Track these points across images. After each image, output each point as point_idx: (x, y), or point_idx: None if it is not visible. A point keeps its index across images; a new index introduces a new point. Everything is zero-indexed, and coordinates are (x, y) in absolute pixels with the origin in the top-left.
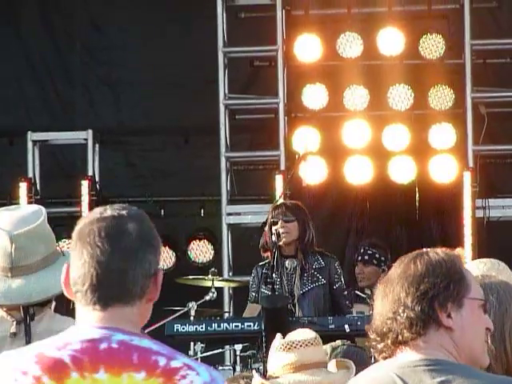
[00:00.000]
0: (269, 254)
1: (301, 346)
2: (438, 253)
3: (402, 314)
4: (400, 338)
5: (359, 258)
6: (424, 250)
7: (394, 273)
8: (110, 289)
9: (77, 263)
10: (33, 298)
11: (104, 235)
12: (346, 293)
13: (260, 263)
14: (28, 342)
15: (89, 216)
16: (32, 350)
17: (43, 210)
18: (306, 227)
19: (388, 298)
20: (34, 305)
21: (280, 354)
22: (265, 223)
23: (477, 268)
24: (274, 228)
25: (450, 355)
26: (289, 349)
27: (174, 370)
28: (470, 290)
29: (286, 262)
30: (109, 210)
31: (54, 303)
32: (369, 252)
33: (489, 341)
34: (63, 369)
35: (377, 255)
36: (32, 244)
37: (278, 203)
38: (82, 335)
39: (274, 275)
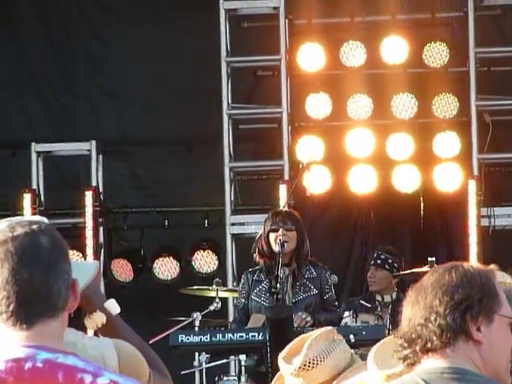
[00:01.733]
0: (264, 259)
1: (307, 369)
2: (473, 266)
3: (433, 322)
4: (429, 345)
5: (372, 261)
6: (459, 262)
7: (427, 281)
8: (35, 305)
9: None
10: None
11: (21, 253)
12: (336, 303)
13: (250, 269)
14: None
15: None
16: None
17: (45, 221)
18: (304, 237)
19: (420, 305)
20: None
21: (289, 379)
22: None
23: None
24: (272, 235)
25: (476, 368)
26: (296, 375)
27: None
28: (501, 307)
29: (279, 271)
30: (19, 228)
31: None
32: (382, 257)
33: None
34: None
35: (389, 260)
36: None
37: (278, 210)
38: (7, 355)
39: (278, 285)
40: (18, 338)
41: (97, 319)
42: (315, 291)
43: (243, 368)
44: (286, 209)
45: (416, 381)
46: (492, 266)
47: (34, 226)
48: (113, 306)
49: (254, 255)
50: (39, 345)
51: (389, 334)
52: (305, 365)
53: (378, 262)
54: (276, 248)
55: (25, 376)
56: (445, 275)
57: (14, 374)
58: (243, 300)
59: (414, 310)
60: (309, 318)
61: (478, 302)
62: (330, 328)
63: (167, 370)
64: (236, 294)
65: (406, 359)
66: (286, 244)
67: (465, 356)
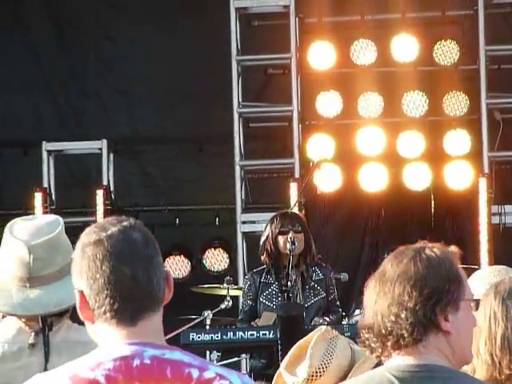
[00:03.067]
0: (272, 261)
1: (315, 379)
2: (435, 251)
3: (404, 319)
4: (401, 341)
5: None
6: (418, 245)
7: (392, 271)
8: (141, 301)
9: (98, 285)
10: (51, 309)
11: (119, 251)
12: (338, 303)
13: (255, 270)
14: (47, 352)
15: (91, 236)
16: (65, 372)
17: (60, 220)
18: (311, 239)
19: (387, 297)
20: (51, 315)
21: None
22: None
23: (493, 276)
24: (281, 237)
25: (446, 359)
26: None
27: (208, 381)
28: (465, 292)
29: (290, 270)
30: (110, 226)
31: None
32: None
33: None
34: None
35: None
36: (49, 254)
37: (284, 212)
38: (114, 353)
39: (288, 283)
40: (122, 336)
41: None
42: (323, 293)
43: (251, 365)
44: (291, 210)
45: (388, 378)
46: (452, 248)
47: (125, 223)
48: None
49: (262, 257)
50: (145, 341)
51: None
52: (312, 375)
53: None
54: (287, 247)
55: (134, 373)
56: (410, 265)
57: (123, 372)
58: (250, 302)
59: (381, 303)
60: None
61: (446, 293)
62: (323, 328)
63: None
64: None
65: (374, 352)
66: (296, 245)
67: (435, 349)
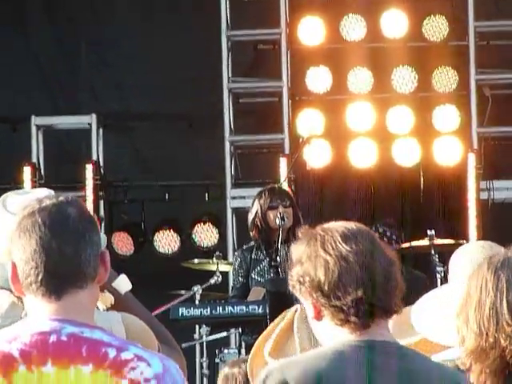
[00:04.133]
0: (262, 236)
1: None
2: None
3: None
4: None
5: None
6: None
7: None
8: (65, 274)
9: (26, 255)
10: None
11: (49, 223)
12: None
13: (244, 247)
14: None
15: (26, 209)
16: None
17: (53, 194)
18: (299, 214)
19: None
20: None
21: None
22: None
23: (477, 251)
24: (271, 212)
25: None
26: None
27: (124, 362)
28: None
29: (279, 245)
30: (46, 199)
31: None
32: (380, 230)
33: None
34: (11, 362)
35: (388, 233)
36: None
37: (273, 187)
38: (33, 328)
39: (278, 258)
40: (47, 311)
41: (105, 300)
42: None
43: (243, 341)
44: (278, 185)
45: None
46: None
47: (61, 198)
48: (123, 283)
49: (252, 233)
50: (66, 318)
51: None
52: None
53: (377, 235)
54: (277, 222)
55: (48, 350)
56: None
57: (38, 348)
58: (241, 279)
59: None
60: None
61: None
62: (298, 308)
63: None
64: None
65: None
66: (286, 220)
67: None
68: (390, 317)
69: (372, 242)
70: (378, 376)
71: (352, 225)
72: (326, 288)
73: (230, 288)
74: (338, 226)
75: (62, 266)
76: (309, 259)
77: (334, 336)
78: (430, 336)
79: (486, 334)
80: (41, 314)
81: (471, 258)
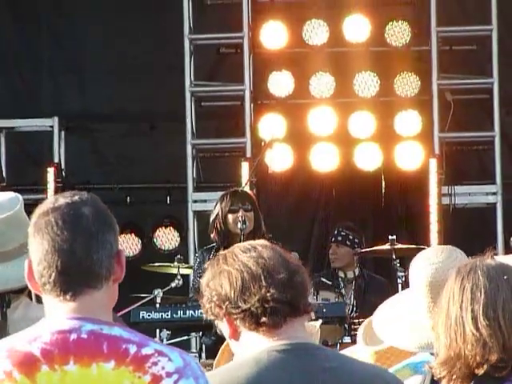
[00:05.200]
0: (222, 240)
1: None
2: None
3: None
4: None
5: (333, 238)
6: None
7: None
8: (77, 275)
9: (39, 255)
10: (9, 285)
11: (62, 223)
12: None
13: (205, 247)
14: (4, 328)
15: (41, 207)
16: (3, 345)
17: (20, 197)
18: (260, 218)
19: None
20: (10, 292)
21: None
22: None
23: (436, 255)
24: (231, 216)
25: None
26: None
27: (145, 358)
28: None
29: None
30: (61, 198)
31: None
32: (342, 233)
33: (482, 318)
34: (33, 362)
35: (350, 237)
36: (9, 231)
37: (234, 190)
38: (53, 327)
39: None
40: (64, 310)
41: None
42: None
43: (204, 345)
44: (241, 189)
45: None
46: None
47: (76, 197)
48: None
49: (212, 235)
50: (84, 316)
51: (352, 311)
52: None
53: (339, 238)
54: (238, 227)
55: (70, 348)
56: None
57: (60, 346)
58: (198, 279)
59: None
60: None
61: None
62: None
63: None
64: None
65: None
66: (247, 224)
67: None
68: (301, 316)
69: (273, 250)
70: (298, 379)
71: (255, 241)
72: (233, 296)
73: (190, 288)
74: (240, 244)
75: (74, 267)
76: (213, 278)
77: (252, 346)
78: (394, 343)
79: (454, 344)
80: (58, 314)
81: (430, 262)
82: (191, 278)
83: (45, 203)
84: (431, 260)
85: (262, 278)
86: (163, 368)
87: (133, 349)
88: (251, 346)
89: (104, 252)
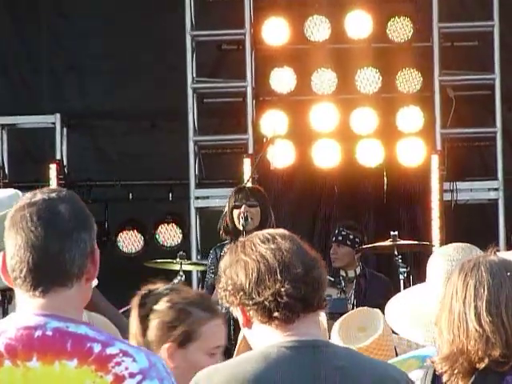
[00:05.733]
0: (230, 236)
1: None
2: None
3: None
4: None
5: (334, 238)
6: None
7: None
8: (48, 272)
9: (12, 250)
10: None
11: (36, 219)
12: None
13: (218, 244)
14: None
15: (19, 202)
16: None
17: (20, 193)
18: (268, 214)
19: None
20: (11, 288)
21: None
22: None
23: (457, 253)
24: (235, 212)
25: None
26: None
27: (109, 357)
28: None
29: None
30: (39, 194)
31: None
32: (343, 233)
33: (485, 314)
34: None
35: (351, 236)
36: None
37: (241, 186)
38: (18, 323)
39: None
40: (33, 306)
41: None
42: None
43: None
44: (250, 185)
45: None
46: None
47: (54, 194)
48: None
49: (220, 232)
50: (51, 313)
51: (353, 309)
52: None
53: (340, 238)
54: (239, 224)
55: (34, 344)
56: None
57: (24, 342)
58: (212, 276)
59: None
60: None
61: None
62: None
63: None
64: (200, 268)
65: None
66: (249, 220)
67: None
68: (315, 312)
69: (292, 241)
70: (305, 376)
71: (275, 230)
72: (248, 287)
73: (204, 286)
74: (259, 232)
75: (46, 264)
76: (230, 266)
77: (263, 338)
78: (406, 335)
79: (457, 340)
80: (26, 309)
81: (450, 258)
82: (205, 275)
83: (23, 198)
84: (451, 256)
85: (278, 271)
86: (126, 368)
87: (97, 348)
88: (262, 339)
89: (78, 251)
